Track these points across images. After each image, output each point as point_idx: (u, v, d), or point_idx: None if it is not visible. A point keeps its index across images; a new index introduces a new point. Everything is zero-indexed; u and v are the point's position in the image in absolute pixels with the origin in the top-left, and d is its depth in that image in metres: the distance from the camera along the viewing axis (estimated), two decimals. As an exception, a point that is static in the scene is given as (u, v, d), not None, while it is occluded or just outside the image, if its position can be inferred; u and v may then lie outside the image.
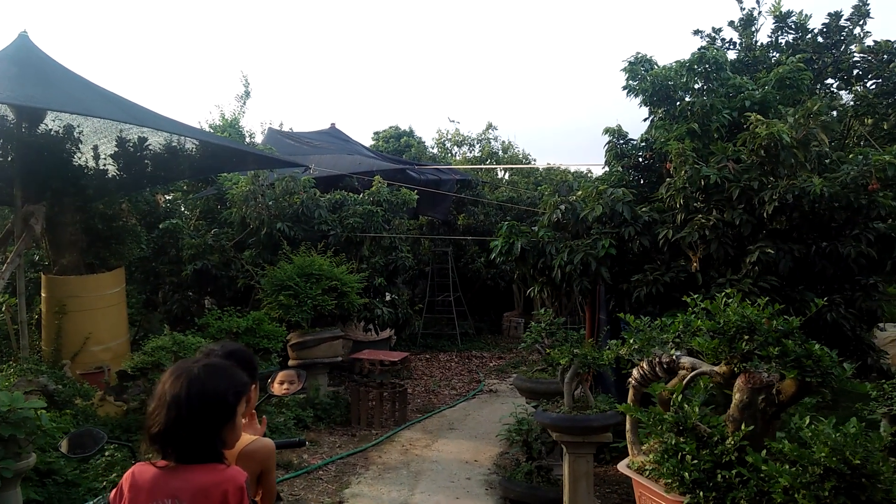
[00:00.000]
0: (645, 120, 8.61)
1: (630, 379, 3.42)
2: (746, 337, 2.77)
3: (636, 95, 8.51)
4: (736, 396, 2.88)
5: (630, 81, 8.49)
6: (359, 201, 10.88)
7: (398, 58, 45.02)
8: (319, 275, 8.95)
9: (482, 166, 16.67)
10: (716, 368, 3.03)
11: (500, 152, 18.36)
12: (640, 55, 8.78)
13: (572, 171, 16.84)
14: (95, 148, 8.71)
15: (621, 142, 8.44)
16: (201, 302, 10.77)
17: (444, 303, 14.36)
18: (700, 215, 6.30)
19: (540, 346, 6.65)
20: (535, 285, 7.23)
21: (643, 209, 6.91)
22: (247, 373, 2.53)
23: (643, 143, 8.34)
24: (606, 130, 8.40)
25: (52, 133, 8.01)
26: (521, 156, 18.46)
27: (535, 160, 18.65)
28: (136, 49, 41.13)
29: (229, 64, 44.32)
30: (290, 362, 8.98)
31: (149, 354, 6.23)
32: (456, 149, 18.49)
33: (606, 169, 8.52)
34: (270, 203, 10.24)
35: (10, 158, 7.72)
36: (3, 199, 8.13)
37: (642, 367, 3.27)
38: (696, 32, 10.42)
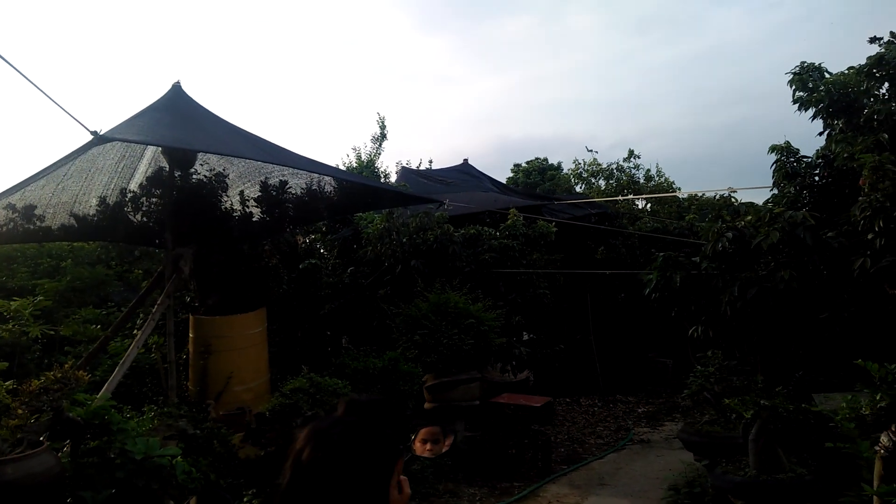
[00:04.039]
0: (820, 134, 7.58)
1: (877, 447, 2.62)
2: None
3: (807, 108, 7.53)
4: None
5: (799, 93, 7.52)
6: (494, 236, 10.47)
7: (530, 90, 45.07)
8: (455, 312, 8.57)
9: (620, 198, 15.79)
10: None
11: (643, 181, 17.34)
12: (806, 63, 7.80)
13: (718, 197, 15.49)
14: (242, 193, 8.97)
15: (792, 160, 7.47)
16: (338, 340, 10.75)
17: (583, 342, 13.49)
18: (908, 239, 5.25)
19: (709, 394, 5.82)
20: (696, 325, 6.39)
21: (828, 234, 5.93)
22: (395, 434, 2.09)
23: (819, 160, 7.32)
24: (773, 148, 7.48)
25: (202, 179, 8.31)
26: (665, 185, 17.35)
27: (679, 188, 17.47)
28: (276, 95, 44.09)
29: (366, 104, 46.40)
30: (426, 405, 8.62)
31: (286, 397, 6.07)
32: (592, 179, 17.66)
33: (775, 191, 7.56)
34: (404, 240, 10.08)
35: (163, 204, 8.07)
36: (158, 242, 8.51)
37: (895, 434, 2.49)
38: (874, 40, 9.14)
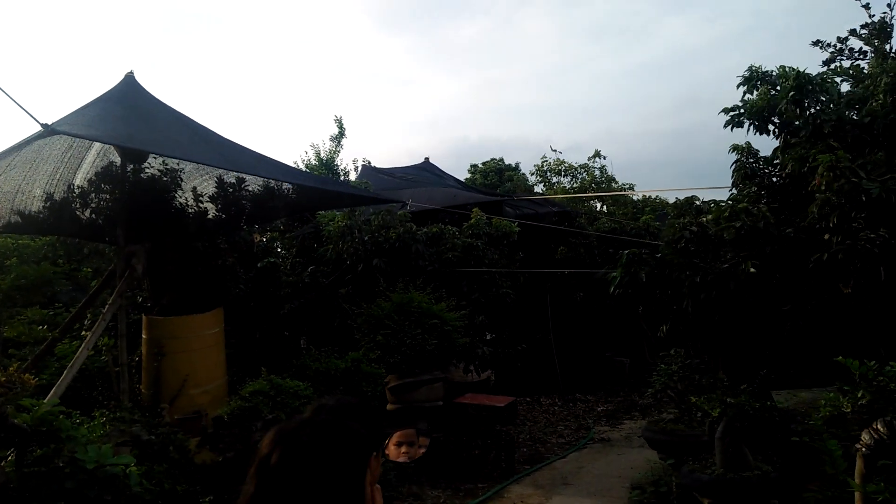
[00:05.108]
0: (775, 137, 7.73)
1: (858, 444, 2.62)
2: None
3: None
4: None
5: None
6: (457, 235, 10.39)
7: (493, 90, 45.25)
8: (418, 312, 8.47)
9: (579, 195, 15.93)
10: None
11: (603, 183, 17.59)
12: (754, 69, 7.85)
13: (671, 200, 15.81)
14: (195, 189, 8.66)
15: (751, 160, 7.58)
16: (297, 341, 10.52)
17: (543, 341, 13.53)
18: (864, 233, 5.38)
19: (672, 392, 5.85)
20: (662, 324, 6.43)
21: (787, 230, 6.05)
22: (365, 431, 1.98)
23: (777, 161, 7.45)
24: (734, 148, 7.58)
25: (155, 174, 8.00)
26: (624, 187, 17.64)
27: (633, 189, 17.77)
28: (236, 89, 43.29)
29: (325, 102, 45.93)
30: (389, 406, 8.49)
31: (246, 400, 5.87)
32: (556, 178, 17.83)
33: (734, 191, 7.67)
34: (366, 238, 9.92)
35: (115, 200, 7.73)
36: (108, 238, 8.17)
37: (878, 430, 2.48)
38: (817, 43, 9.28)
